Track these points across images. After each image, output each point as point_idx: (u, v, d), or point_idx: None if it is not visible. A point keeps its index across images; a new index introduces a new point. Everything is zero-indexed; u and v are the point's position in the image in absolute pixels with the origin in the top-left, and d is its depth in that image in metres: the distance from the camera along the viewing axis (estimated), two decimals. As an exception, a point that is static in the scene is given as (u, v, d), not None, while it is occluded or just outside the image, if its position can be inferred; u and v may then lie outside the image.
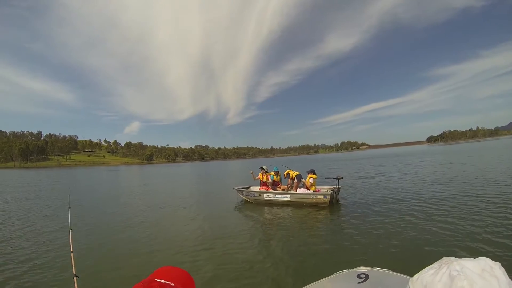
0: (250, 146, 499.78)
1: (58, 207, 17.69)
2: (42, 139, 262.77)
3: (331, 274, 2.48)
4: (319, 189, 16.12)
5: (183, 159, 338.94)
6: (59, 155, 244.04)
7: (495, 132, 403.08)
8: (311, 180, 15.96)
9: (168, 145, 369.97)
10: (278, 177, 17.84)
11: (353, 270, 2.69)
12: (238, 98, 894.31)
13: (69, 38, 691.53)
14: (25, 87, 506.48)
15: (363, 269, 2.62)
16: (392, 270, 2.54)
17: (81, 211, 15.96)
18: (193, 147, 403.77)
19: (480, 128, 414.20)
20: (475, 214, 10.91)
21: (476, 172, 23.48)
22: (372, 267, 2.69)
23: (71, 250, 4.52)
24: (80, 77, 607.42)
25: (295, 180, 16.56)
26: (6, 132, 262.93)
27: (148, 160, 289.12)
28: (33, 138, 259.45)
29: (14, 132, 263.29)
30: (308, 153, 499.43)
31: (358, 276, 2.45)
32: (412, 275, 1.75)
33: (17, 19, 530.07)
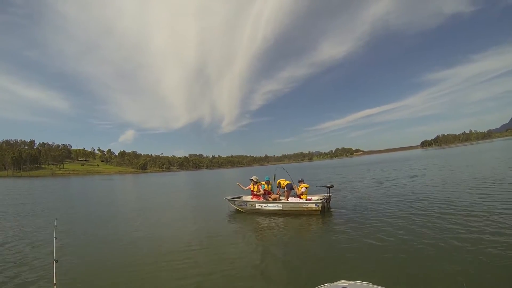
0: (244, 155, 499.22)
1: (45, 229, 15.67)
2: (35, 147, 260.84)
3: None
4: (310, 197, 16.19)
5: (177, 168, 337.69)
6: (52, 164, 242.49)
7: (488, 135, 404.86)
8: (303, 189, 16.05)
9: (162, 154, 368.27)
10: (270, 186, 17.79)
11: (333, 284, 2.64)
12: (233, 106, 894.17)
13: (65, 45, 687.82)
14: (19, 95, 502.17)
15: (344, 283, 2.56)
16: (374, 284, 2.50)
17: (68, 236, 15.16)
18: (187, 155, 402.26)
19: (473, 131, 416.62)
20: (475, 223, 10.78)
21: (479, 177, 23.43)
22: (353, 280, 2.65)
23: (54, 282, 4.44)
24: (74, 84, 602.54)
25: (286, 189, 16.60)
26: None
27: (142, 169, 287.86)
28: (26, 147, 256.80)
29: (6, 141, 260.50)
30: (302, 160, 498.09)
31: None
32: None
33: (13, 26, 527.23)
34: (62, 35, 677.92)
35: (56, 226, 6.88)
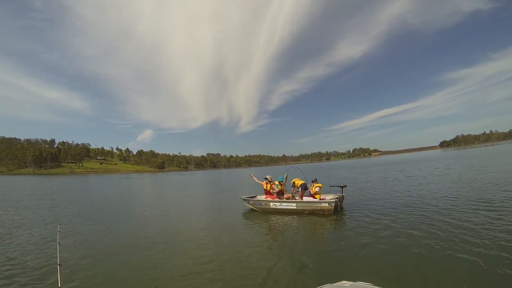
0: (262, 154, 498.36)
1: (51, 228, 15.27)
2: (55, 146, 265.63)
3: None
4: (324, 197, 16.31)
5: (195, 167, 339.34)
6: (71, 163, 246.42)
7: (509, 135, 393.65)
8: (316, 189, 16.18)
9: (180, 153, 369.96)
10: (284, 186, 17.97)
11: (335, 284, 2.64)
12: (250, 106, 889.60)
13: (84, 48, 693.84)
14: (40, 96, 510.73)
15: (345, 284, 2.58)
16: (375, 285, 2.50)
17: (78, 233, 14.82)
18: (205, 155, 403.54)
19: (493, 131, 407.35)
20: (497, 225, 10.73)
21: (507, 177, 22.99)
22: (355, 281, 2.65)
23: (59, 286, 4.62)
24: (94, 86, 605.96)
25: (300, 189, 16.77)
26: (20, 139, 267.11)
27: (159, 168, 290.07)
28: (46, 146, 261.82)
29: (28, 139, 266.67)
30: (320, 160, 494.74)
31: None
32: None
33: (34, 30, 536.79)
34: (81, 37, 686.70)
35: (59, 231, 7.05)
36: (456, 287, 6.35)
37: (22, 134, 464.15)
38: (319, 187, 16.40)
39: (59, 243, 6.24)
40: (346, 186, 17.16)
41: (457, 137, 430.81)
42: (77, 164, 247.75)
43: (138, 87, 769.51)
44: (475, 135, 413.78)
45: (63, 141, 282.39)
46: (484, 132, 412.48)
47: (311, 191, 16.58)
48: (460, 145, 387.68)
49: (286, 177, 18.40)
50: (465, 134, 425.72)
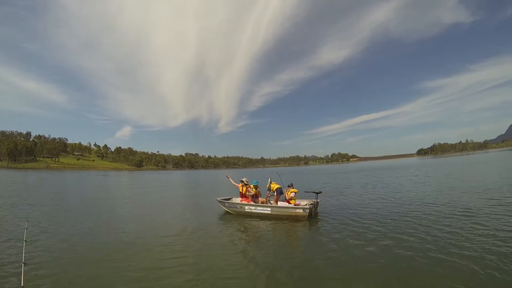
0: (240, 156, 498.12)
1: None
2: (31, 140, 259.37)
3: None
4: (298, 202, 16.45)
5: (173, 167, 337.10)
6: (47, 157, 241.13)
7: (484, 145, 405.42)
8: (292, 194, 16.25)
9: (158, 151, 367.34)
10: (258, 190, 17.99)
11: None
12: (230, 107, 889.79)
13: (66, 39, 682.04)
14: (18, 86, 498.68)
15: None
16: None
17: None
18: (183, 154, 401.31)
19: (469, 141, 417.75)
20: (467, 238, 10.77)
21: (477, 187, 23.24)
22: None
23: (22, 285, 4.48)
24: (74, 79, 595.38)
25: (275, 193, 16.80)
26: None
27: (137, 166, 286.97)
28: (21, 139, 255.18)
29: (3, 131, 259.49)
30: (298, 164, 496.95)
31: None
32: None
33: (15, 18, 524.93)
34: (63, 28, 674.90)
35: (26, 228, 6.84)
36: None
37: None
38: (295, 192, 16.49)
39: (25, 241, 6.11)
40: (321, 192, 17.31)
41: (434, 145, 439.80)
42: (53, 159, 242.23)
43: (118, 82, 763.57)
44: (451, 144, 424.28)
45: (39, 135, 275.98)
46: (460, 141, 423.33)
47: (286, 196, 16.63)
48: (436, 153, 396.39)
49: (270, 181, 18.25)
50: (441, 142, 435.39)
